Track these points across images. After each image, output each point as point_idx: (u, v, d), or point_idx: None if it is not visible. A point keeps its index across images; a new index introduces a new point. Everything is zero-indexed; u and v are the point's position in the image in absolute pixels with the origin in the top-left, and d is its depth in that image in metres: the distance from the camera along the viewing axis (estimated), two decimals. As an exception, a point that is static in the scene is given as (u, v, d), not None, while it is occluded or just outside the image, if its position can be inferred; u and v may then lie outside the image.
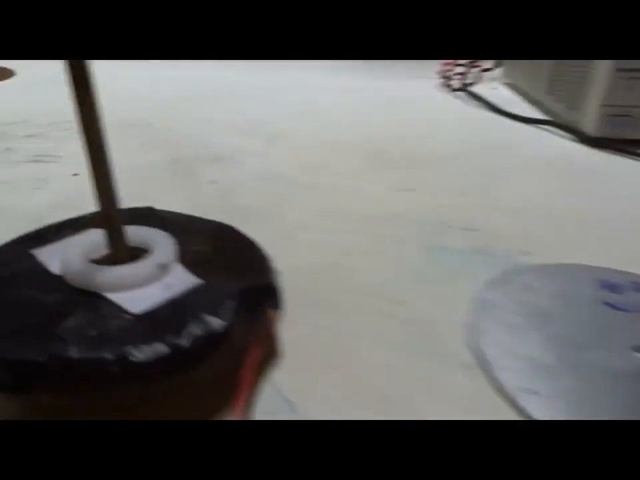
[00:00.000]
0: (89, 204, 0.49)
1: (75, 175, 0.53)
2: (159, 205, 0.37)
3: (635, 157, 0.63)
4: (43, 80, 0.85)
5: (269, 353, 0.31)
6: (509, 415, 0.27)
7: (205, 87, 0.93)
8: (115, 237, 0.28)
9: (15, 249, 0.31)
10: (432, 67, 1.04)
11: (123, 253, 0.29)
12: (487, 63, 1.00)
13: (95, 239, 0.30)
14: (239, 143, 0.65)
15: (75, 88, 0.25)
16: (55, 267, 0.29)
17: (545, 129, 0.75)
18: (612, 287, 0.37)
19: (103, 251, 0.30)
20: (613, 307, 0.35)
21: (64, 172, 0.53)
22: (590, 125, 0.67)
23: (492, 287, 0.37)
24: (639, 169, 0.61)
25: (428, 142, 0.68)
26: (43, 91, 0.80)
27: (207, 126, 0.70)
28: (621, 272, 0.38)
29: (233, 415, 0.24)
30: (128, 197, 0.38)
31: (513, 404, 0.28)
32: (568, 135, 0.71)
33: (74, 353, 0.23)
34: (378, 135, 0.70)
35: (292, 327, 0.33)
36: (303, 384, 0.29)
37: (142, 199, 0.49)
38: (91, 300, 0.26)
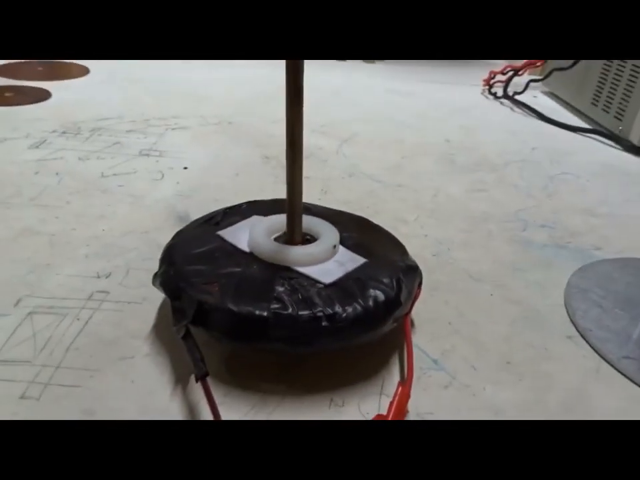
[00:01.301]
0: (206, 194, 0.55)
1: (185, 168, 0.59)
2: (267, 197, 0.43)
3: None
4: (116, 77, 0.91)
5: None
6: (615, 376, 0.34)
7: (274, 88, 0.99)
8: (296, 222, 0.35)
9: (202, 230, 0.37)
10: (473, 74, 1.10)
11: (299, 236, 0.35)
12: (534, 73, 1.06)
13: (270, 224, 0.36)
14: (317, 142, 0.71)
15: (290, 91, 0.30)
16: (243, 245, 0.35)
17: (591, 138, 0.81)
18: None
19: (278, 233, 0.36)
20: None
21: (174, 165, 0.60)
22: (636, 134, 0.74)
23: (581, 276, 0.44)
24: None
25: (486, 146, 0.74)
26: (119, 88, 0.86)
27: (282, 126, 0.76)
28: None
29: (409, 376, 0.30)
30: (236, 190, 0.44)
31: (616, 368, 0.34)
32: (613, 144, 0.77)
33: (292, 311, 0.29)
34: (440, 138, 0.76)
35: (422, 304, 0.39)
36: (440, 346, 0.35)
37: (251, 190, 0.55)
38: (286, 272, 0.32)
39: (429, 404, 0.31)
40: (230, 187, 0.56)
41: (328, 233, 0.35)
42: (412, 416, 0.30)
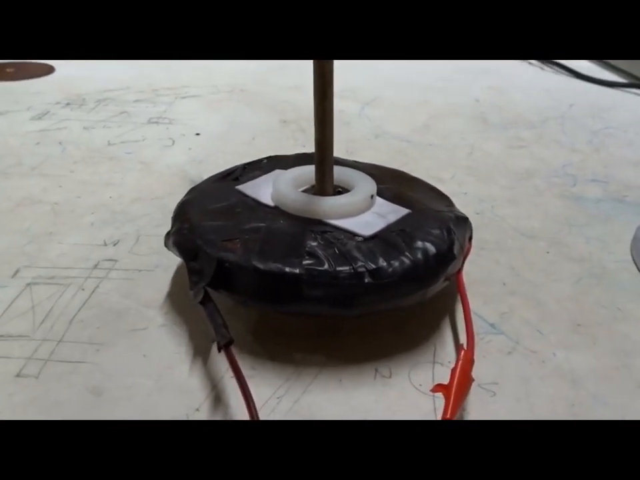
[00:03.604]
0: (221, 158, 0.50)
1: (197, 134, 0.55)
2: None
3: None
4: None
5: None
6: None
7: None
8: (327, 173, 0.30)
9: (219, 185, 0.32)
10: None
11: (330, 187, 0.30)
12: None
13: (297, 175, 0.32)
14: (337, 106, 0.66)
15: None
16: (266, 199, 0.30)
17: (632, 92, 0.75)
18: None
19: (306, 185, 0.32)
20: None
21: (186, 132, 0.55)
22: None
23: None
24: None
25: (521, 106, 0.69)
26: (126, 61, 0.82)
27: (299, 93, 0.71)
28: None
29: (469, 338, 0.26)
30: (254, 153, 0.40)
31: None
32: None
33: (328, 267, 0.25)
34: (469, 98, 0.71)
35: (468, 264, 0.34)
36: (496, 309, 0.31)
37: (271, 153, 0.51)
38: (318, 226, 0.28)
39: (492, 373, 0.26)
40: (247, 151, 0.51)
41: (363, 183, 0.31)
42: (474, 387, 0.25)
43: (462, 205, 0.42)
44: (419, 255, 0.26)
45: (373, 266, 0.25)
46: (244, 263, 0.25)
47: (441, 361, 0.27)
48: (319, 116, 0.29)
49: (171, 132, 0.55)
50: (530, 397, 0.25)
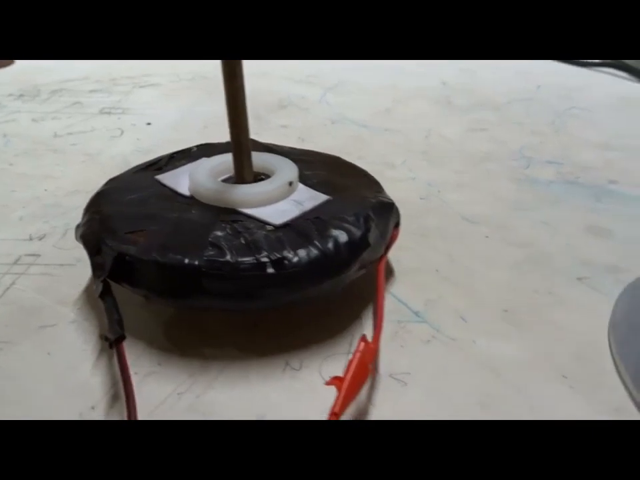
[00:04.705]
0: (169, 148, 0.49)
1: (148, 124, 0.54)
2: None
3: None
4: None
5: (386, 270, 0.32)
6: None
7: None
8: (244, 160, 0.29)
9: (140, 176, 0.31)
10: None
11: (250, 176, 0.29)
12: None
13: (216, 163, 0.31)
14: (299, 92, 0.65)
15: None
16: (183, 189, 0.29)
17: (606, 72, 0.73)
18: None
19: (226, 174, 0.30)
20: None
21: (137, 122, 0.54)
22: (656, 63, 0.66)
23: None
24: None
25: (488, 88, 0.67)
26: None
27: (262, 80, 0.70)
28: None
29: (377, 329, 0.25)
30: (203, 142, 0.39)
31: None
32: (630, 77, 0.69)
33: (230, 258, 0.24)
34: (438, 83, 0.69)
35: (404, 251, 0.33)
36: (424, 296, 0.30)
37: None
38: (229, 215, 0.27)
39: (406, 362, 0.25)
40: (196, 140, 0.50)
41: (284, 170, 0.30)
42: (384, 377, 0.24)
43: (408, 190, 0.41)
44: (329, 244, 0.25)
45: (278, 256, 0.24)
46: (144, 256, 0.24)
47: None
48: (229, 97, 0.27)
49: (122, 122, 0.54)
50: (442, 387, 0.24)
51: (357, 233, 0.26)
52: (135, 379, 0.23)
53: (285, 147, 0.36)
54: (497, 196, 0.41)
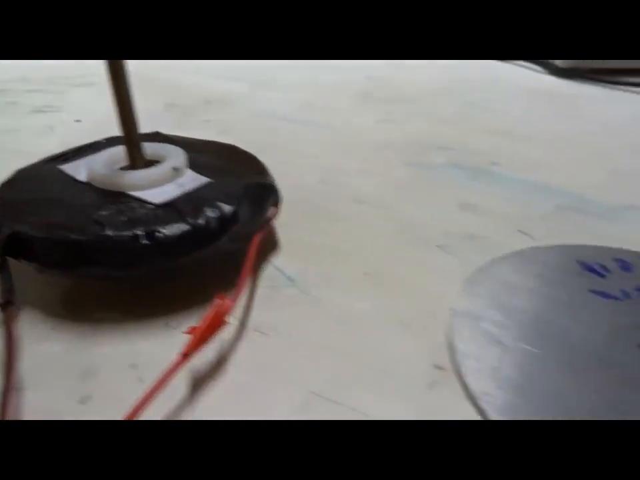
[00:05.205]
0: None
1: (77, 121, 0.57)
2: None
3: (599, 83, 0.67)
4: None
5: (271, 243, 0.36)
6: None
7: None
8: (134, 149, 0.33)
9: (46, 166, 0.35)
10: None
11: (140, 163, 0.33)
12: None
13: (114, 153, 0.34)
14: (226, 88, 0.68)
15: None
16: (82, 176, 0.33)
17: (515, 63, 0.79)
18: (594, 270, 0.32)
19: (123, 163, 0.34)
20: (602, 295, 0.30)
21: (67, 119, 0.57)
22: (560, 56, 0.71)
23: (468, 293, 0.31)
24: (600, 92, 0.66)
25: (409, 82, 0.72)
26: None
27: (196, 76, 0.73)
28: (598, 248, 0.34)
29: (237, 288, 0.29)
30: None
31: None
32: (538, 68, 0.75)
33: (110, 232, 0.28)
34: (362, 77, 0.74)
35: (292, 228, 0.38)
36: (300, 265, 0.34)
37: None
38: (118, 197, 0.31)
39: (272, 319, 0.29)
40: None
41: (172, 157, 0.33)
42: (250, 331, 0.29)
43: (310, 175, 0.46)
44: (200, 219, 0.29)
45: (152, 229, 0.28)
46: (36, 233, 0.28)
47: (233, 314, 0.30)
48: (115, 94, 0.31)
49: (53, 120, 0.57)
50: (299, 336, 0.28)
51: (227, 209, 0.30)
52: (29, 342, 0.27)
53: (188, 138, 0.40)
54: (389, 179, 0.45)
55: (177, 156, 0.34)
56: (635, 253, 0.34)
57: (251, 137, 0.53)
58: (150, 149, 0.34)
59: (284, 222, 0.38)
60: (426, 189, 0.43)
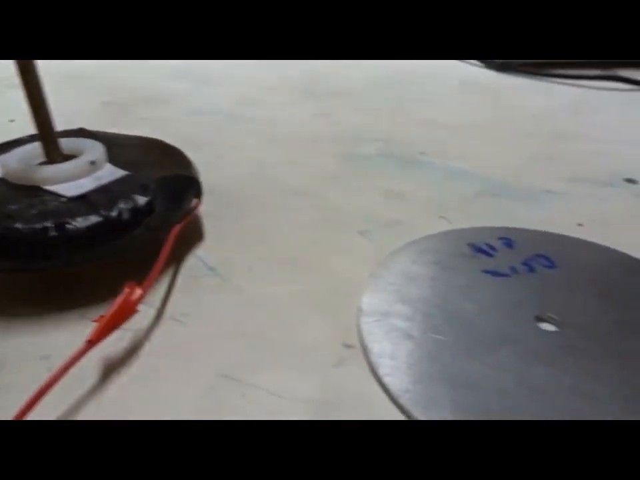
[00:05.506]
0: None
1: (11, 121, 0.56)
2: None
3: (530, 75, 0.70)
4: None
5: (193, 234, 0.36)
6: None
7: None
8: (50, 144, 0.33)
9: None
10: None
11: (58, 158, 0.33)
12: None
13: (32, 149, 0.34)
14: (168, 87, 0.68)
15: None
16: (-2, 173, 0.33)
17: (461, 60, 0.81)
18: (483, 250, 0.33)
19: (41, 158, 0.34)
20: (493, 274, 0.31)
21: (1, 120, 0.56)
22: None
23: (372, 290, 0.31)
24: (529, 84, 0.68)
25: (352, 77, 0.73)
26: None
27: (138, 73, 0.73)
28: (485, 229, 0.36)
29: (150, 277, 0.29)
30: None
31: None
32: (477, 63, 0.78)
33: (19, 225, 0.28)
34: (307, 72, 0.75)
35: (220, 219, 0.38)
36: (223, 254, 0.35)
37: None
38: (32, 192, 0.31)
39: (189, 308, 0.30)
40: (55, 134, 0.53)
41: (90, 152, 0.34)
42: (165, 319, 0.29)
43: (241, 168, 0.46)
44: (113, 211, 0.29)
45: (62, 221, 0.28)
46: (-56, 229, 0.27)
47: (150, 304, 0.30)
48: (27, 92, 0.31)
49: (-16, 121, 0.56)
50: (213, 323, 0.29)
51: (141, 201, 0.30)
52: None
53: (113, 133, 0.40)
54: (319, 170, 0.46)
55: (95, 150, 0.34)
56: (515, 229, 0.36)
57: (187, 133, 0.53)
58: (70, 144, 0.35)
59: (211, 213, 0.39)
60: (354, 178, 0.44)
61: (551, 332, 0.27)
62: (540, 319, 0.28)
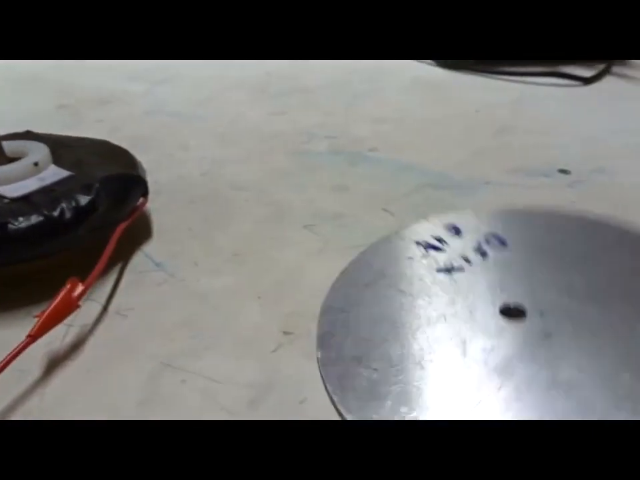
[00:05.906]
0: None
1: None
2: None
3: (480, 73, 0.72)
4: None
5: (141, 232, 0.37)
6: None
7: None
8: (-9, 145, 0.33)
9: None
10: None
11: (1, 160, 0.34)
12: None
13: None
14: (124, 88, 0.69)
15: None
16: (-60, 176, 0.33)
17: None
18: (433, 246, 0.33)
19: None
20: (447, 271, 0.31)
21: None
22: (446, 48, 0.76)
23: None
24: (479, 81, 0.71)
25: (307, 77, 0.74)
26: None
27: (88, 75, 0.73)
28: (430, 221, 0.36)
29: (92, 273, 0.30)
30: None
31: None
32: (430, 61, 0.80)
33: (-39, 227, 0.28)
34: (263, 72, 0.76)
35: (168, 217, 0.39)
36: (170, 250, 0.36)
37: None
38: (-26, 194, 0.31)
39: (134, 302, 0.31)
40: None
41: (34, 153, 0.34)
42: (110, 314, 0.30)
43: (192, 168, 0.47)
44: (55, 211, 0.30)
45: (4, 221, 0.29)
46: None
47: (95, 299, 0.31)
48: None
49: None
50: (156, 316, 0.30)
51: (84, 200, 0.31)
52: None
53: (60, 135, 0.41)
54: (270, 168, 0.47)
55: (38, 152, 0.34)
56: (459, 215, 0.36)
57: (141, 134, 0.54)
58: (14, 146, 0.35)
59: (160, 211, 0.39)
60: (303, 175, 0.46)
61: (520, 323, 0.26)
62: (505, 313, 0.27)
